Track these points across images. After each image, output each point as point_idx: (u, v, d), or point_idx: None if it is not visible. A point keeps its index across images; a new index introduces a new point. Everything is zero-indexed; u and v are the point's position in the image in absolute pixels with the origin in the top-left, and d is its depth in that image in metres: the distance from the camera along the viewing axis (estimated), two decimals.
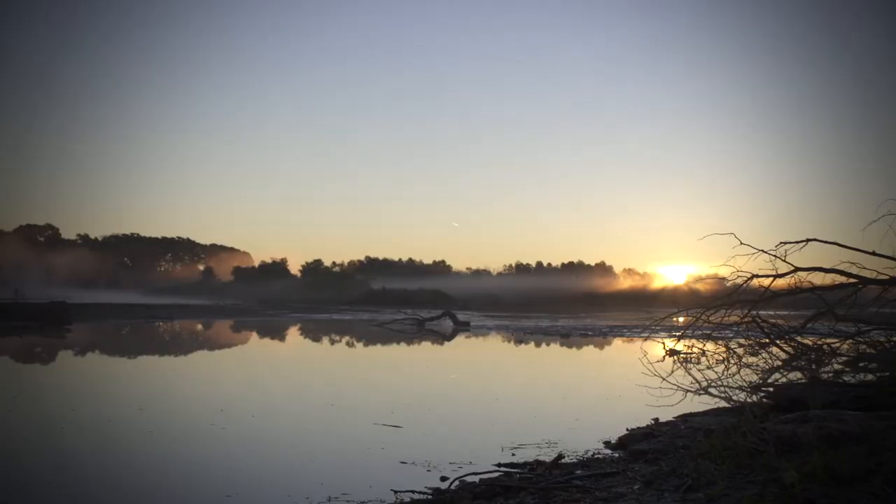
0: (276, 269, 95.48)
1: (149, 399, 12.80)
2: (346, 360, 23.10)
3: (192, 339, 31.80)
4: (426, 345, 28.43)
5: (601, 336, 33.52)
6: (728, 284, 13.51)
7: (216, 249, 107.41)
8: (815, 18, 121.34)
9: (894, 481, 4.65)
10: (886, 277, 11.62)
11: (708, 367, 15.39)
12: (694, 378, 14.80)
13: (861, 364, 12.22)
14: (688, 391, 11.26)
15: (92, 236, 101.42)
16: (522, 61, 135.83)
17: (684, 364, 17.64)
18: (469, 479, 6.57)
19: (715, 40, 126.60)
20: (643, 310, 50.76)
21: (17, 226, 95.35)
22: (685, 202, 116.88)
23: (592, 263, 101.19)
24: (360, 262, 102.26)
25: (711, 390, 13.55)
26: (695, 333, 13.78)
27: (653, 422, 9.51)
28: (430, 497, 6.28)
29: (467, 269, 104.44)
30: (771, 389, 10.23)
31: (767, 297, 12.81)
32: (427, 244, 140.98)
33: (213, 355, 24.54)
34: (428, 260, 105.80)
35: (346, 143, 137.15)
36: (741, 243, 12.78)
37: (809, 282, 12.48)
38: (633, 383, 17.01)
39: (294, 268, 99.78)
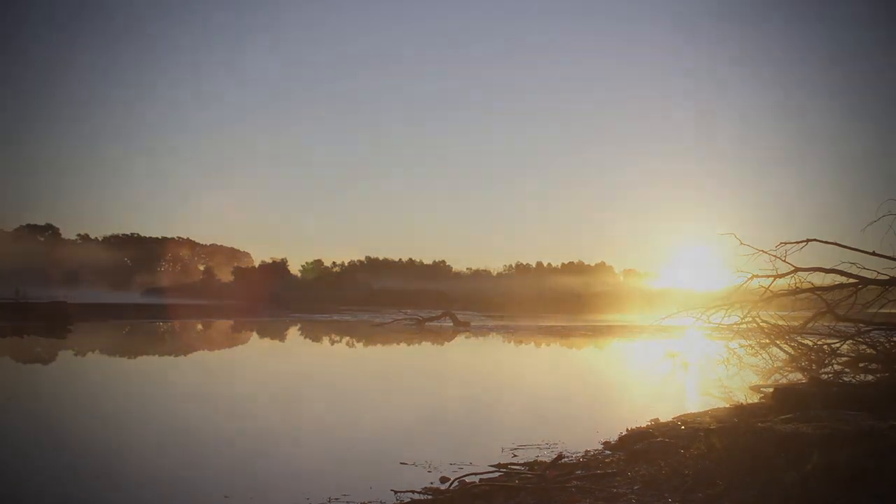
0: (276, 269, 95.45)
1: (150, 400, 12.81)
2: (347, 361, 23.10)
3: (192, 340, 31.78)
4: (426, 345, 28.42)
5: (601, 336, 33.51)
6: (728, 285, 13.49)
7: (216, 249, 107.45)
8: (815, 19, 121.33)
9: (895, 482, 4.65)
10: (886, 277, 11.62)
11: (708, 368, 15.37)
12: (694, 378, 14.80)
13: (861, 364, 12.22)
14: (688, 391, 11.25)
15: (92, 236, 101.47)
16: (526, 62, 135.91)
17: (684, 364, 17.66)
18: (469, 479, 6.57)
19: (715, 41, 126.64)
20: (643, 310, 50.75)
21: (17, 226, 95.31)
22: (686, 202, 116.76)
23: (592, 263, 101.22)
24: (360, 262, 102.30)
25: (712, 390, 13.56)
26: (695, 334, 13.76)
27: (652, 422, 9.50)
28: (430, 497, 6.28)
29: (467, 269, 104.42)
30: (771, 389, 10.23)
31: (767, 297, 12.82)
32: (427, 244, 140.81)
33: (212, 357, 24.54)
34: (428, 260, 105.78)
35: (346, 143, 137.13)
36: (741, 244, 12.81)
37: (809, 282, 12.49)
38: (633, 383, 17.02)
39: (294, 268, 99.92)
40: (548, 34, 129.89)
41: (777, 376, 13.04)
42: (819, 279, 12.39)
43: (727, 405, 10.58)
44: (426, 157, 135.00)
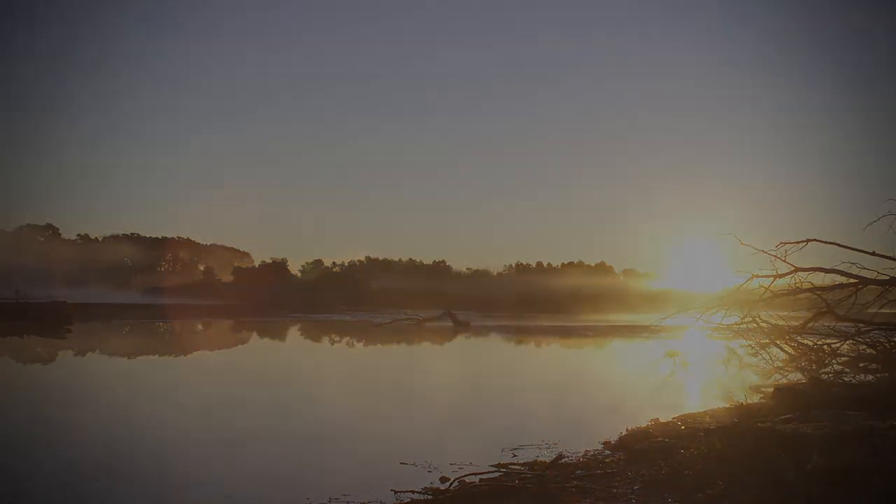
0: (276, 269, 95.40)
1: (149, 401, 12.81)
2: (347, 362, 23.10)
3: (192, 340, 31.78)
4: (426, 345, 28.42)
5: (601, 336, 33.52)
6: (728, 285, 13.50)
7: (216, 249, 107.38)
8: (814, 18, 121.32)
9: (895, 482, 4.65)
10: (886, 277, 11.63)
11: (708, 368, 15.39)
12: (694, 378, 14.79)
13: (861, 364, 12.24)
14: (688, 391, 11.24)
15: (92, 236, 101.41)
16: (526, 61, 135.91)
17: (684, 364, 17.68)
18: (469, 479, 6.57)
19: (715, 41, 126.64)
20: (643, 310, 50.74)
21: (18, 226, 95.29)
22: (685, 202, 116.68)
23: (592, 263, 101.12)
24: (360, 262, 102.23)
25: (712, 390, 13.57)
26: (695, 334, 13.76)
27: (652, 422, 9.50)
28: (430, 497, 6.28)
29: (467, 269, 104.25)
30: (771, 389, 10.23)
31: (767, 297, 12.83)
32: (427, 244, 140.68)
33: (212, 357, 24.54)
34: (428, 260, 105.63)
35: (346, 142, 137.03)
36: (742, 244, 12.82)
37: (809, 282, 12.50)
38: (633, 383, 17.03)
39: (294, 268, 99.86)
40: (550, 36, 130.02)
41: (777, 376, 13.04)
42: (819, 279, 12.40)
43: (727, 405, 10.57)
44: (425, 157, 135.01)
